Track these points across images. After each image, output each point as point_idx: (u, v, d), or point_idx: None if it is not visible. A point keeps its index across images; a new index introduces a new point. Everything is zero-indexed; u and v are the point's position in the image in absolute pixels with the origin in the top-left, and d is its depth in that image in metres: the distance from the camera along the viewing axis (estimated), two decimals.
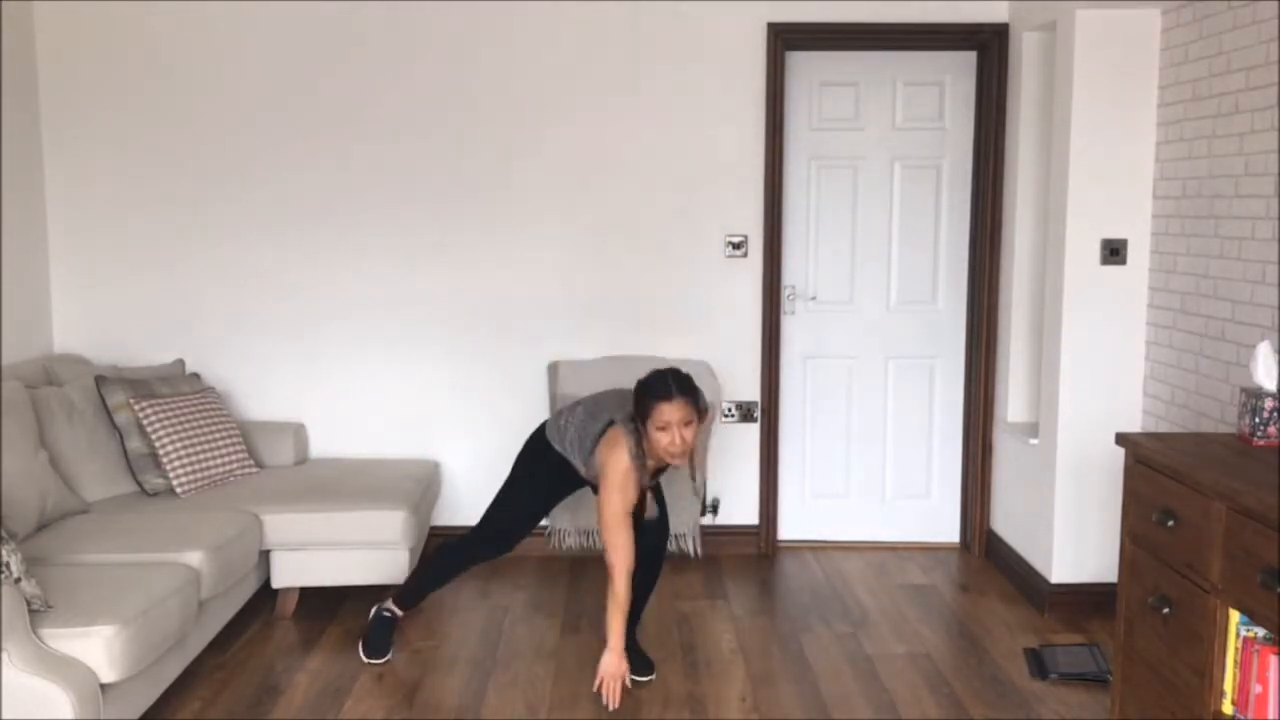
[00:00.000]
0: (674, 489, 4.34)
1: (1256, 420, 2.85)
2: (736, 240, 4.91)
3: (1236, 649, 2.51)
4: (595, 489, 3.62)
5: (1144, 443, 2.95)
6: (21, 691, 2.83)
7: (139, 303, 4.89)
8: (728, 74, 4.83)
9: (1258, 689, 2.42)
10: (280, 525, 4.13)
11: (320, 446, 4.96)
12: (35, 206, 4.75)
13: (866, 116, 4.99)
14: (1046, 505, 4.32)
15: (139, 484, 4.28)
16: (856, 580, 4.73)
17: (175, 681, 3.55)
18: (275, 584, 4.24)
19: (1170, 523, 2.75)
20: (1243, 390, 2.91)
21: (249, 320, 4.92)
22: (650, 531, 3.74)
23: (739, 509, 5.06)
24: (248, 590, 4.16)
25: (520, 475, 3.79)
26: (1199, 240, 3.78)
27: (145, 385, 4.39)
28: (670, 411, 3.41)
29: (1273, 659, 2.39)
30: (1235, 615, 2.51)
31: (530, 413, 4.83)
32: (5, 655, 2.81)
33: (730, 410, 4.99)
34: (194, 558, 3.61)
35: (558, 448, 3.66)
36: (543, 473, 3.73)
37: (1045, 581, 4.34)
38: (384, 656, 3.91)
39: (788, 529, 5.16)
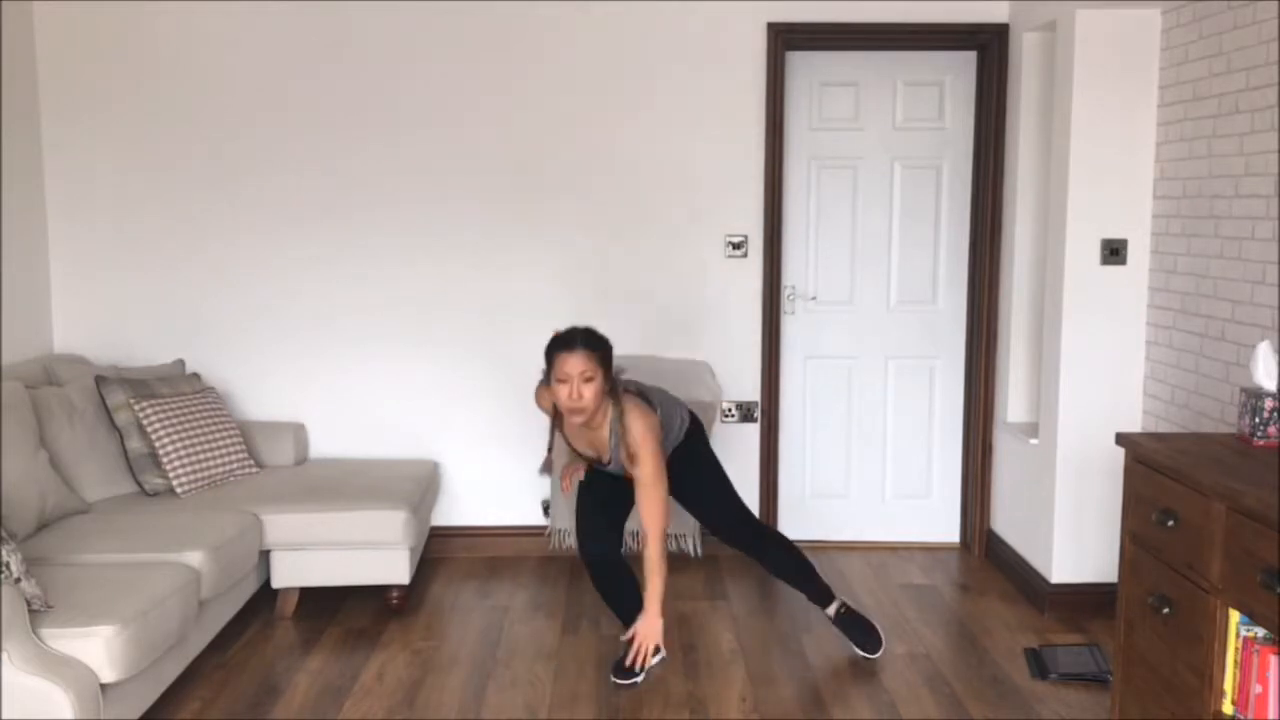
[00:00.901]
0: None
1: (1256, 420, 2.85)
2: (736, 240, 4.91)
3: (1236, 649, 2.51)
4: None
5: (1144, 443, 2.95)
6: (21, 691, 2.83)
7: (139, 303, 4.89)
8: (728, 74, 4.83)
9: (1258, 689, 2.42)
10: (280, 525, 4.13)
11: (320, 446, 4.96)
12: (35, 206, 4.75)
13: (866, 117, 4.99)
14: (1046, 505, 4.32)
15: (139, 484, 4.28)
16: (856, 580, 4.72)
17: (175, 681, 3.55)
18: (275, 584, 4.24)
19: (1170, 523, 2.75)
20: (1243, 390, 2.91)
21: (249, 320, 4.92)
22: (724, 534, 3.99)
23: None
24: (248, 590, 4.16)
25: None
26: (1199, 240, 3.78)
27: (145, 385, 4.39)
28: (570, 363, 3.46)
29: (1273, 659, 2.39)
30: (1235, 615, 2.51)
31: (530, 413, 4.82)
32: (5, 655, 2.81)
33: (730, 410, 4.99)
34: (194, 558, 3.61)
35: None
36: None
37: (1045, 581, 4.34)
38: (635, 677, 3.75)
39: (788, 529, 5.14)
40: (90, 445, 4.21)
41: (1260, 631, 2.46)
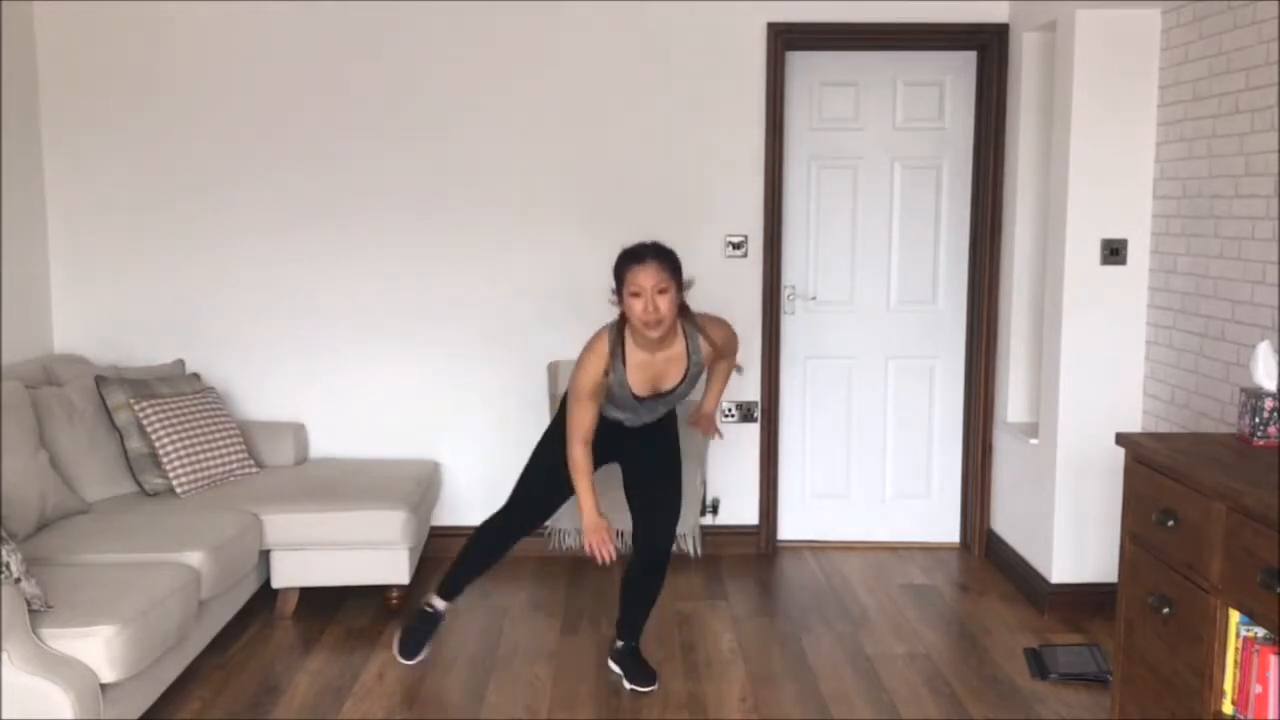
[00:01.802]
0: None
1: (1256, 420, 2.85)
2: (736, 240, 4.91)
3: (1236, 649, 2.51)
4: (617, 459, 3.67)
5: (1144, 443, 2.95)
6: (21, 691, 2.83)
7: (139, 303, 4.89)
8: (728, 74, 4.83)
9: (1258, 689, 2.42)
10: (280, 525, 4.13)
11: (320, 446, 4.96)
12: (35, 207, 4.75)
13: (866, 116, 4.99)
14: (1046, 505, 4.32)
15: (139, 484, 4.28)
16: (856, 580, 4.73)
17: (175, 681, 3.55)
18: (275, 584, 4.24)
19: (1170, 523, 2.75)
20: (1243, 390, 2.91)
21: (249, 320, 4.92)
22: (654, 532, 3.70)
23: (739, 509, 5.06)
24: (248, 590, 4.16)
25: (544, 438, 3.76)
26: (1199, 240, 3.78)
27: (145, 385, 4.39)
28: (643, 276, 3.35)
29: (1273, 659, 2.39)
30: (1235, 615, 2.51)
31: (530, 413, 4.84)
32: (5, 655, 2.81)
33: (730, 410, 4.99)
34: (194, 558, 3.61)
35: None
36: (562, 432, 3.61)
37: (1045, 581, 4.34)
38: (415, 657, 3.83)
39: (788, 529, 5.16)
40: (90, 445, 4.21)
41: (1260, 631, 2.46)
